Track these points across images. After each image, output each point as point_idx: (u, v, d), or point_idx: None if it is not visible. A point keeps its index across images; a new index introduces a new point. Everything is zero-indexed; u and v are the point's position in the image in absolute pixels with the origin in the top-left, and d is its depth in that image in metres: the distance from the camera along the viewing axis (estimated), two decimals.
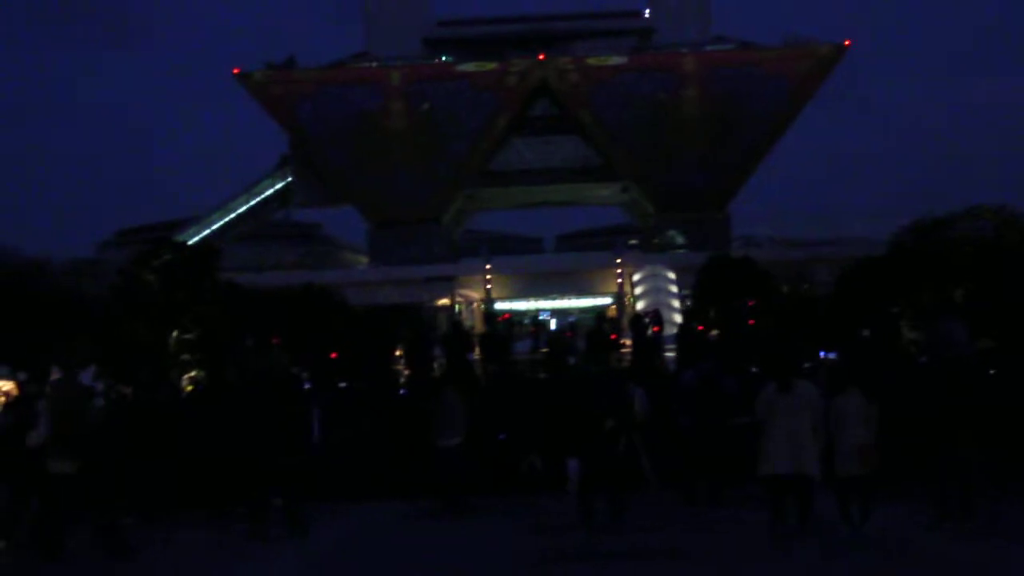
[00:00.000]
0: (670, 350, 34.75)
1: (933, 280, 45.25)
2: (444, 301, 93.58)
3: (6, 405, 25.88)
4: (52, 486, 18.68)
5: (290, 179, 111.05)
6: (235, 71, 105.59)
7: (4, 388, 46.12)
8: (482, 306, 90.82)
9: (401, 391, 30.70)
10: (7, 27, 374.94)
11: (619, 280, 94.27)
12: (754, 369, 26.72)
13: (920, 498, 20.12)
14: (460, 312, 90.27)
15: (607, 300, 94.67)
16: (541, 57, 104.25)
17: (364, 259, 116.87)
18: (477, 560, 17.75)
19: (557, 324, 78.34)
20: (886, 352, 33.19)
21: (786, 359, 20.00)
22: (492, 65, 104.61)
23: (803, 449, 18.06)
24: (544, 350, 37.97)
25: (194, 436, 23.62)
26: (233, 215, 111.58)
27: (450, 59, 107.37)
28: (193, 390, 34.30)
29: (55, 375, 21.00)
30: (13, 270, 51.75)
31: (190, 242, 78.99)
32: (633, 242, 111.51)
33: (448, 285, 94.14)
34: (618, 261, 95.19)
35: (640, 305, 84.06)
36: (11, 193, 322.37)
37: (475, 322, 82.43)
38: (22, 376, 32.68)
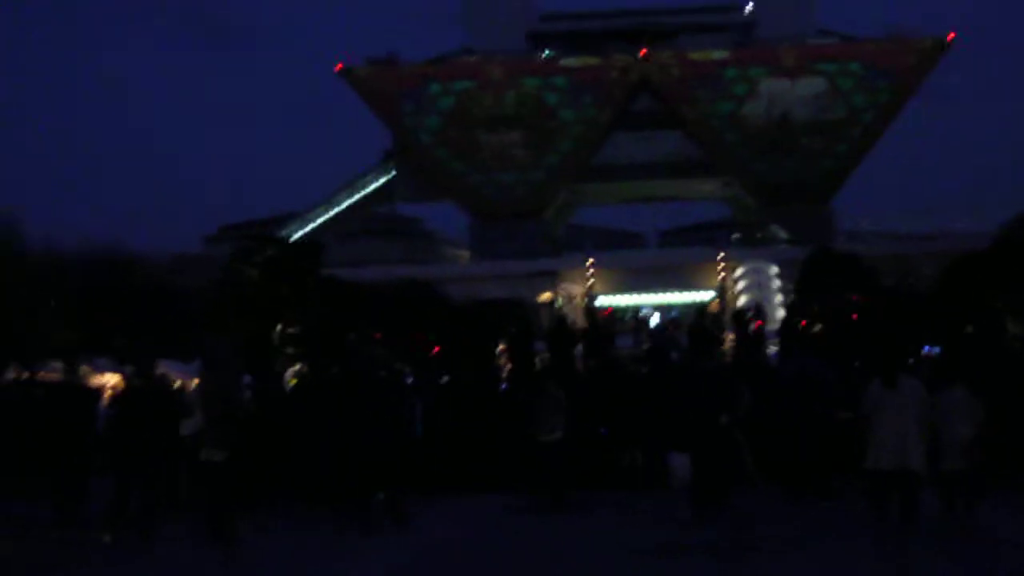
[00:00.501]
0: (773, 345, 34.58)
1: None
2: (546, 296, 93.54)
3: (113, 398, 26.23)
4: (203, 474, 18.99)
5: (393, 174, 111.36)
6: (338, 67, 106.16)
7: (111, 382, 46.75)
8: (584, 301, 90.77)
9: (503, 386, 30.72)
10: (117, 29, 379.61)
11: (721, 275, 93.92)
12: (857, 364, 26.49)
13: None
14: (561, 307, 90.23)
15: (709, 295, 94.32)
16: (643, 52, 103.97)
17: (466, 254, 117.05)
18: (578, 555, 17.75)
19: (659, 319, 78.14)
20: (990, 347, 32.80)
21: (892, 354, 19.86)
22: (594, 60, 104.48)
23: (909, 445, 17.91)
24: (646, 345, 37.90)
25: (299, 430, 23.76)
26: (336, 210, 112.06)
27: (552, 54, 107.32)
28: (297, 384, 34.49)
29: (161, 369, 21.26)
30: (119, 265, 52.38)
31: (293, 237, 79.62)
32: (736, 237, 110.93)
33: (550, 280, 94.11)
34: (720, 256, 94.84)
35: (742, 300, 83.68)
36: (118, 188, 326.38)
37: (577, 317, 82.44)
38: (129, 369, 33.09)
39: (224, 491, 18.85)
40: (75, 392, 21.92)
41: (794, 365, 23.64)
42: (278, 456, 23.52)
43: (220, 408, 18.94)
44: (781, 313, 58.80)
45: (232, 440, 18.92)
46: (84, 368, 43.83)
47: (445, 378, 31.57)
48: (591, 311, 38.29)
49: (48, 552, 19.20)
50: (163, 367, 24.53)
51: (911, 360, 28.47)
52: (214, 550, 18.37)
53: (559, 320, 34.10)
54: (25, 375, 36.75)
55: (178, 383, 35.05)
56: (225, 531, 18.73)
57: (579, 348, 31.54)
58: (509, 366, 33.15)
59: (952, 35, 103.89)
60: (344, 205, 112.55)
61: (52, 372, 37.27)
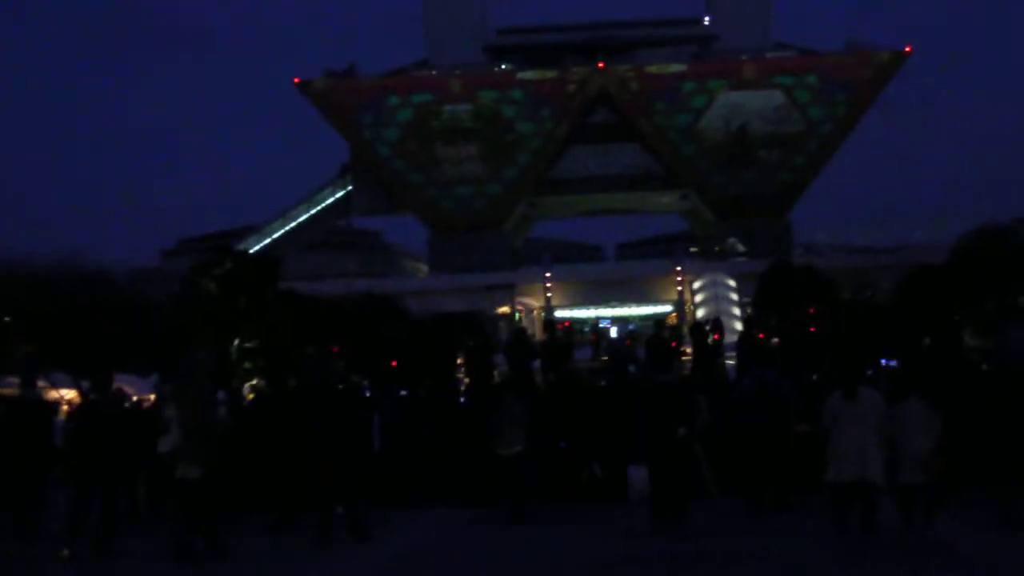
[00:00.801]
0: (731, 358, 34.65)
1: (997, 287, 44.99)
2: (504, 309, 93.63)
3: (70, 413, 26.11)
4: (179, 491, 18.94)
5: (351, 187, 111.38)
6: (296, 80, 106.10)
7: (67, 396, 46.53)
8: (542, 314, 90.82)
9: (461, 399, 30.68)
10: (65, 44, 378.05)
11: (679, 288, 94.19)
12: (815, 377, 26.56)
13: (983, 506, 20.01)
14: (520, 320, 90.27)
15: (667, 308, 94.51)
16: (601, 65, 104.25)
17: (424, 267, 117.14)
18: (542, 567, 17.74)
19: (617, 332, 78.21)
20: (948, 360, 32.95)
21: (852, 367, 19.95)
22: (552, 73, 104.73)
23: (869, 456, 18.01)
24: (604, 358, 37.93)
25: (255, 444, 23.66)
26: (294, 224, 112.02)
27: (510, 67, 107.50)
28: (254, 398, 34.42)
29: (117, 383, 21.17)
30: (78, 280, 52.17)
31: (251, 251, 79.50)
32: (693, 250, 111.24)
33: (508, 293, 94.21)
34: (678, 269, 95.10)
35: (700, 313, 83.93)
36: (76, 202, 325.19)
37: (535, 330, 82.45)
38: (85, 384, 32.89)
39: (197, 508, 18.80)
40: (32, 406, 21.82)
41: (751, 378, 23.65)
42: (235, 470, 23.41)
43: (196, 423, 18.88)
44: (739, 326, 58.98)
45: (208, 456, 18.87)
46: (41, 383, 43.63)
47: (403, 391, 31.54)
48: (549, 324, 38.19)
49: (6, 566, 19.09)
50: (120, 382, 24.42)
51: (869, 372, 28.56)
52: (183, 566, 18.30)
53: (518, 333, 34.01)
54: None
55: (135, 398, 34.92)
56: (192, 548, 18.69)
57: (537, 361, 31.49)
58: (468, 379, 33.13)
59: (910, 48, 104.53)
60: (302, 218, 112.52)
61: (8, 387, 37.12)
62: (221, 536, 19.13)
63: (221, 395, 21.04)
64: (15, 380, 30.52)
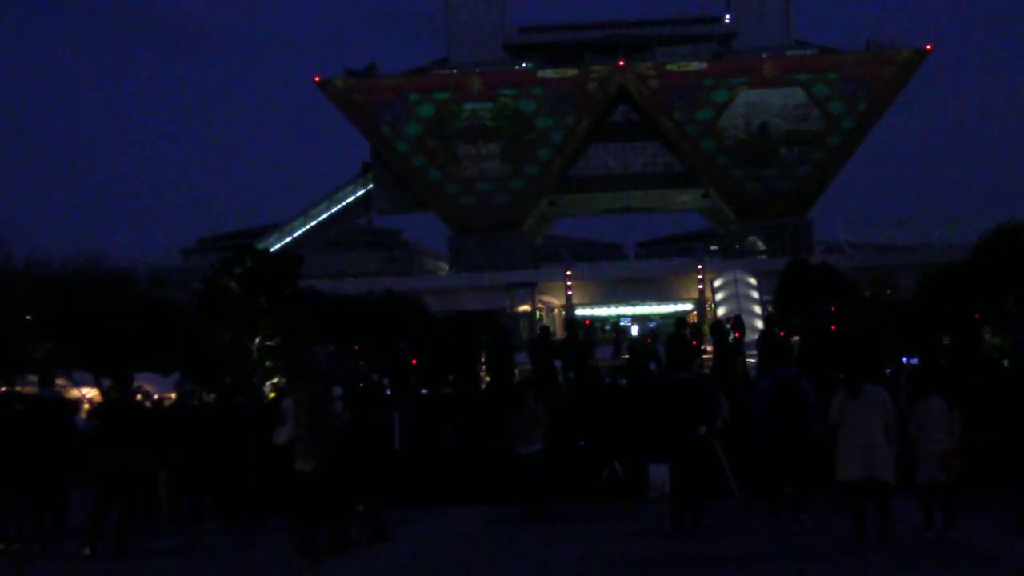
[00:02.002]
0: (751, 356, 34.62)
1: (1017, 285, 44.88)
2: (525, 307, 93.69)
3: (91, 411, 26.19)
4: (296, 483, 19.20)
5: (371, 186, 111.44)
6: (316, 79, 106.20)
7: (88, 395, 46.69)
8: (563, 312, 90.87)
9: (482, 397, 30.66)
10: (86, 45, 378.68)
11: (700, 286, 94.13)
12: (837, 376, 26.50)
13: (1004, 505, 19.95)
14: (541, 318, 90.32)
15: (688, 306, 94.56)
16: (621, 63, 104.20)
17: (445, 265, 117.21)
18: (561, 566, 17.73)
19: (638, 330, 78.24)
20: (969, 358, 32.91)
21: (857, 364, 19.90)
22: (572, 71, 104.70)
23: (876, 454, 17.97)
24: (625, 356, 37.89)
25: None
26: (315, 222, 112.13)
27: (531, 66, 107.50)
28: (276, 397, 34.49)
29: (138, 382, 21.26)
30: (100, 278, 52.34)
31: (272, 249, 79.57)
32: (714, 248, 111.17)
33: (529, 291, 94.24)
34: (699, 267, 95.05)
35: (721, 311, 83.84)
36: (98, 202, 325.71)
37: (556, 328, 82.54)
38: (106, 383, 32.96)
39: (312, 502, 19.02)
40: (51, 405, 21.85)
41: (769, 377, 23.62)
42: (252, 469, 23.46)
43: (313, 418, 19.03)
44: (760, 324, 58.94)
45: (325, 450, 19.07)
46: (60, 381, 43.83)
47: (424, 390, 31.54)
48: (572, 322, 38.11)
49: (29, 565, 19.14)
50: (141, 380, 24.48)
51: (888, 371, 28.49)
52: (302, 561, 18.39)
53: (542, 331, 33.97)
54: (2, 388, 36.67)
55: (156, 396, 35.03)
56: (316, 542, 18.89)
57: (559, 361, 31.45)
58: (488, 377, 33.13)
59: (931, 46, 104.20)
60: (323, 217, 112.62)
61: (29, 386, 37.24)
62: (344, 529, 19.35)
63: (337, 391, 21.08)
64: (36, 379, 30.60)
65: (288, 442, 19.52)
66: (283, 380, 43.59)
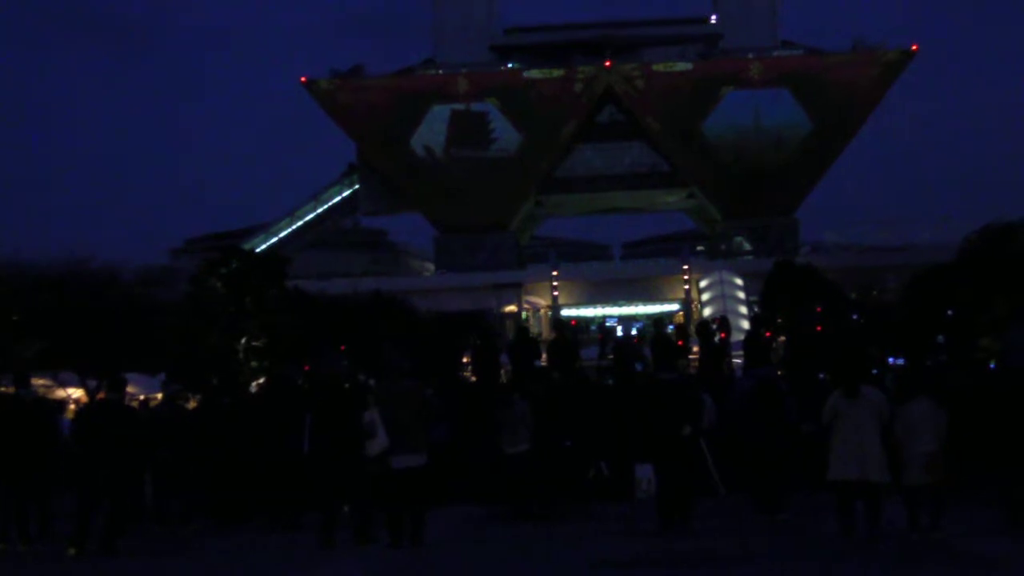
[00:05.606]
0: (737, 357, 34.66)
1: (1005, 286, 44.86)
2: (511, 308, 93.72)
3: (77, 412, 26.10)
4: (399, 483, 19.27)
5: (357, 186, 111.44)
6: (302, 79, 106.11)
7: (74, 395, 46.56)
8: (549, 312, 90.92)
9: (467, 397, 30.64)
10: (71, 44, 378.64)
11: (686, 287, 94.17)
12: (822, 376, 26.52)
13: (991, 506, 19.97)
14: (527, 319, 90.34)
15: (674, 307, 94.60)
16: (607, 64, 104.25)
17: (431, 265, 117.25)
18: (548, 566, 17.73)
19: (624, 330, 78.27)
20: (955, 359, 32.94)
21: (853, 365, 19.91)
22: (559, 72, 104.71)
23: (870, 455, 18.00)
24: (611, 357, 37.94)
25: (257, 442, 23.63)
26: (300, 223, 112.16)
27: (517, 66, 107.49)
28: (254, 395, 34.41)
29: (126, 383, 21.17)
30: (86, 278, 52.16)
31: (258, 250, 79.51)
32: (700, 248, 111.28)
33: (515, 292, 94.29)
34: (685, 268, 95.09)
35: (707, 311, 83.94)
36: (84, 202, 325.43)
37: (542, 329, 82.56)
38: (92, 383, 32.84)
39: (424, 496, 19.45)
40: (30, 405, 21.74)
41: (749, 377, 23.68)
42: (236, 470, 23.44)
43: (404, 418, 19.11)
44: (746, 324, 58.99)
45: (424, 445, 19.51)
46: (45, 381, 43.68)
47: None
48: (559, 323, 38.13)
49: (14, 565, 19.10)
50: (129, 381, 24.38)
51: (876, 371, 28.53)
52: (400, 552, 18.70)
53: (522, 331, 33.96)
54: None
55: (141, 397, 34.97)
56: (419, 533, 19.17)
57: (540, 361, 31.48)
58: (474, 378, 33.14)
59: (916, 47, 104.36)
60: (309, 217, 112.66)
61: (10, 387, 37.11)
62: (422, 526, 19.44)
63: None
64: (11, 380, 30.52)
65: (382, 451, 19.52)
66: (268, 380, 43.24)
